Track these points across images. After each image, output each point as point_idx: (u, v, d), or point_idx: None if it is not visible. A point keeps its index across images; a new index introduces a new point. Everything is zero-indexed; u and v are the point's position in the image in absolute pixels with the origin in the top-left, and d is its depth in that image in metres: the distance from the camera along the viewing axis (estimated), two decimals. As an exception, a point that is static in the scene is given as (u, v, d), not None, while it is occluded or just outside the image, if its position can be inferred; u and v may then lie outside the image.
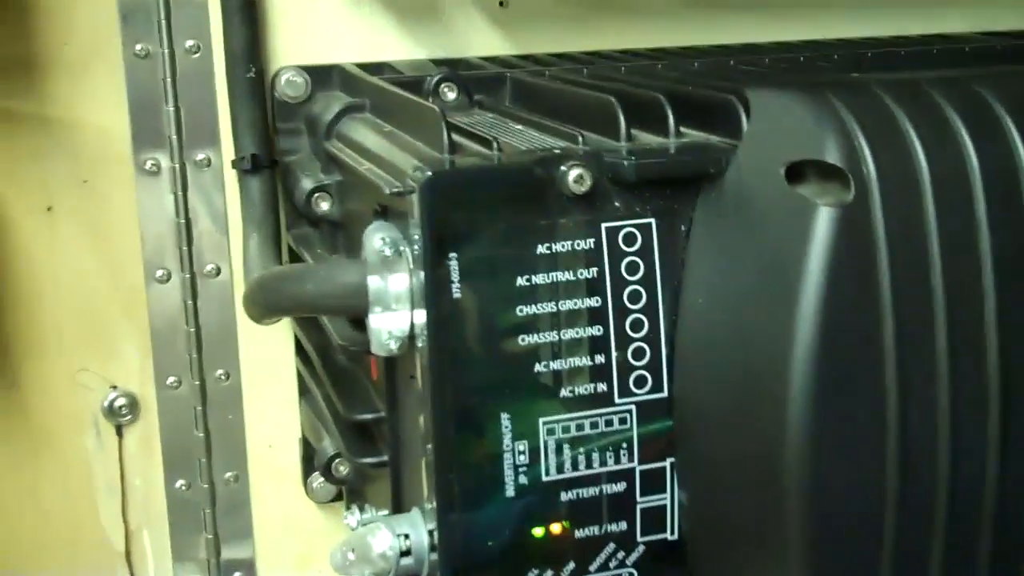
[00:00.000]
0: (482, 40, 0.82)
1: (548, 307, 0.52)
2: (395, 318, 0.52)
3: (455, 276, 0.50)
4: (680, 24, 0.86)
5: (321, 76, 0.76)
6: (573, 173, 0.51)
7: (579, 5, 0.84)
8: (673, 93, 0.57)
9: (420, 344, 0.52)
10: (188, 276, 0.78)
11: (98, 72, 0.77)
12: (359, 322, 0.55)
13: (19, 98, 0.76)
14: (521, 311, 0.51)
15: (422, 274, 0.50)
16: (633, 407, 0.53)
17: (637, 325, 0.53)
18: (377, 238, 0.53)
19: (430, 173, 0.49)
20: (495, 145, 0.53)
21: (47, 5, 0.76)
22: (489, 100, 0.69)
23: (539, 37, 0.83)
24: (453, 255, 0.50)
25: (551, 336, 0.52)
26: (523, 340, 0.51)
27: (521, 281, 0.51)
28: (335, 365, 0.68)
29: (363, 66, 0.76)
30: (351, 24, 0.79)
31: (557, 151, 0.53)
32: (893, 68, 0.70)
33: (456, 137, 0.55)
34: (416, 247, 0.50)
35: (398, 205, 0.53)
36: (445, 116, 0.54)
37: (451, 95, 0.69)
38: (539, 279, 0.51)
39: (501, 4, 0.82)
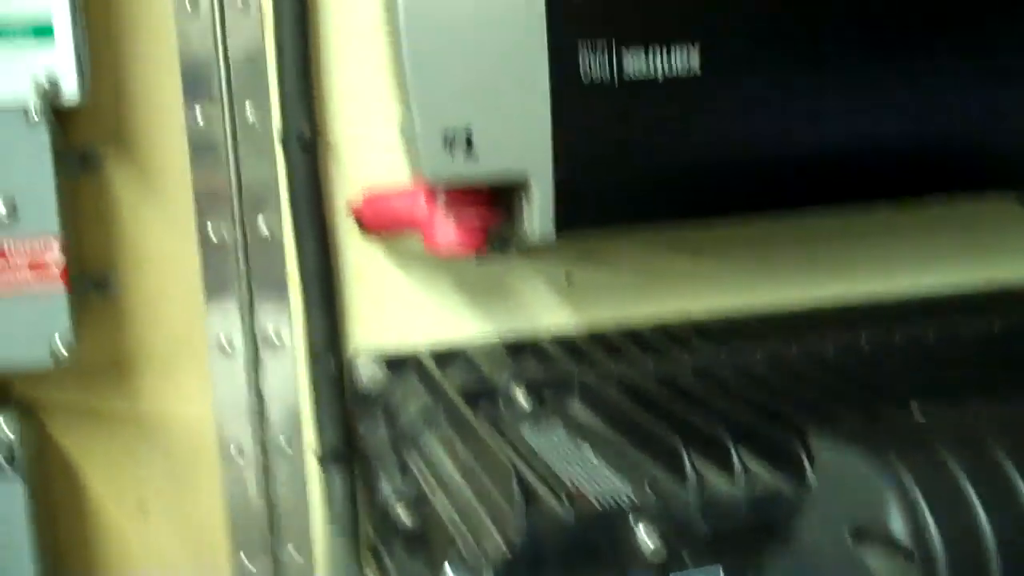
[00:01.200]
0: (550, 315, 0.85)
1: (621, 668, 0.53)
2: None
3: (530, 638, 0.52)
4: (739, 286, 0.88)
5: (397, 366, 0.79)
6: (643, 532, 0.53)
7: (640, 275, 0.87)
8: (738, 429, 0.59)
9: None
10: (271, 563, 0.80)
11: (184, 366, 0.80)
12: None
13: (112, 398, 0.80)
14: (596, 673, 0.53)
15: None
16: None
17: None
18: (454, 589, 0.55)
19: (504, 553, 0.51)
20: (566, 500, 0.55)
21: (135, 306, 0.79)
22: (559, 405, 0.72)
23: (605, 309, 0.86)
24: (528, 617, 0.52)
25: None
26: None
27: (594, 643, 0.53)
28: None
29: (437, 356, 0.79)
30: (424, 304, 0.82)
31: (626, 506, 0.54)
32: (956, 363, 0.72)
33: (529, 479, 0.57)
34: (491, 605, 0.52)
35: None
36: (517, 471, 0.56)
37: (522, 401, 0.72)
38: (611, 640, 0.53)
39: (568, 282, 0.85)
